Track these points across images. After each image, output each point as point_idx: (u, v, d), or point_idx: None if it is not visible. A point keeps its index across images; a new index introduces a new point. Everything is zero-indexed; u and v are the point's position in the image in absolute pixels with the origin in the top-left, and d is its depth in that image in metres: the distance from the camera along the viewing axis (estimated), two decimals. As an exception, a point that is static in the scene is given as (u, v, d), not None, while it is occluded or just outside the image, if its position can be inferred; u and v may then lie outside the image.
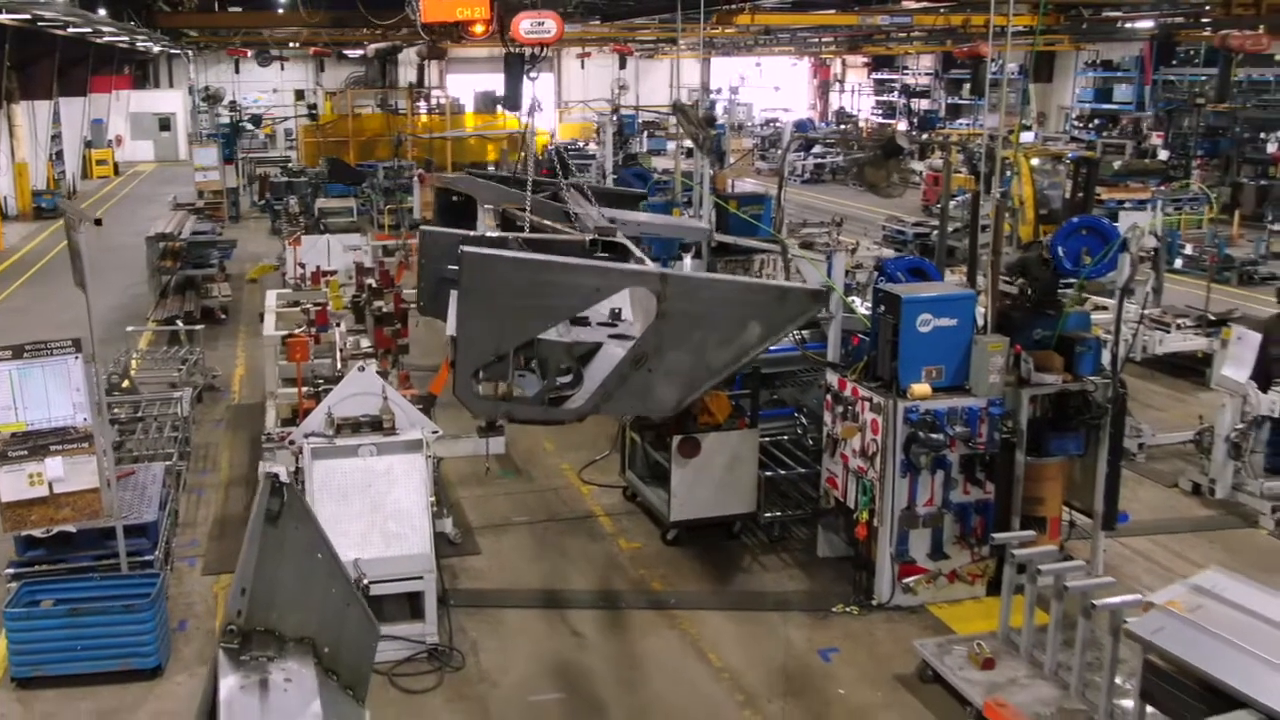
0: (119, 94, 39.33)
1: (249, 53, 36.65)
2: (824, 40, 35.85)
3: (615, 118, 21.68)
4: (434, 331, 13.89)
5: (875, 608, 7.66)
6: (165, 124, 42.40)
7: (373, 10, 18.04)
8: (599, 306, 5.40)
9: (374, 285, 10.75)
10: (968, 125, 35.90)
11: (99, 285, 7.35)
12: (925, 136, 31.99)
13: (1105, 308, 11.59)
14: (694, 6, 14.19)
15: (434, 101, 30.70)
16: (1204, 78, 29.52)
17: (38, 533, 7.02)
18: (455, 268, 4.82)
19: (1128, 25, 25.89)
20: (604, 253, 5.83)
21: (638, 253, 5.68)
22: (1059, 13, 22.83)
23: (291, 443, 7.38)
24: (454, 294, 5.17)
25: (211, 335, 14.38)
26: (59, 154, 30.61)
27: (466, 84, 37.03)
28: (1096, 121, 33.26)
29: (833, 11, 25.18)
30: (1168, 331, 12.64)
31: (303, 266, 13.51)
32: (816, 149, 32.74)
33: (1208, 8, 20.43)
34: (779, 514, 8.75)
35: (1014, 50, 27.21)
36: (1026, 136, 27.80)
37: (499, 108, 30.66)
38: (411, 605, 7.28)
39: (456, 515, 9.04)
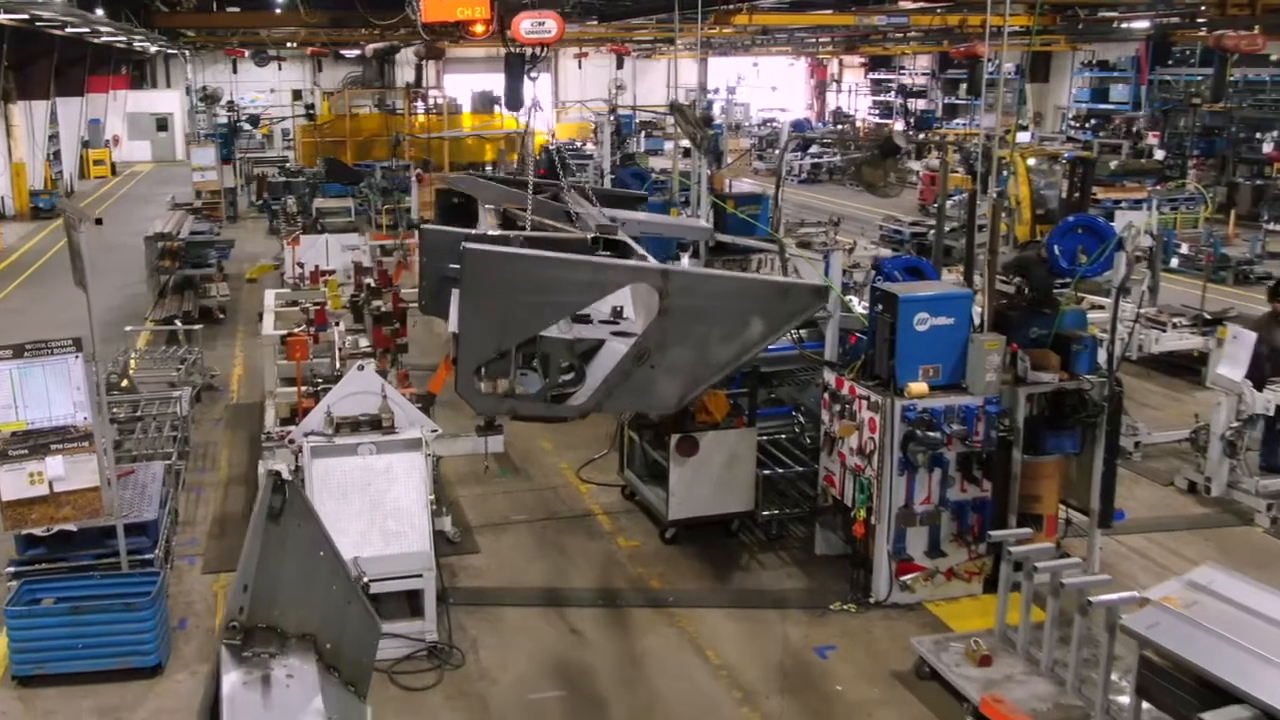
0: (116, 94, 39.31)
1: (246, 53, 36.62)
2: (821, 40, 35.89)
3: (613, 118, 21.68)
4: (432, 331, 13.94)
5: (873, 605, 7.69)
6: (162, 124, 42.37)
7: (372, 10, 18.06)
8: (600, 304, 5.42)
9: (372, 285, 10.77)
10: (964, 125, 35.95)
11: (97, 285, 7.35)
12: (922, 136, 32.04)
13: (1101, 307, 11.64)
14: (691, 7, 14.21)
15: (431, 101, 30.70)
16: (1200, 78, 29.58)
17: (38, 531, 7.03)
18: (457, 266, 4.83)
19: (1123, 25, 25.97)
20: (605, 251, 5.84)
21: (640, 250, 5.69)
22: (1055, 13, 22.92)
23: (291, 441, 7.40)
24: (455, 292, 5.18)
25: (210, 335, 14.39)
26: (56, 154, 30.59)
27: (464, 84, 37.05)
28: (1093, 121, 33.33)
29: (830, 12, 25.23)
30: (1164, 330, 12.68)
31: (301, 266, 13.53)
32: (813, 149, 32.78)
33: (1203, 8, 20.49)
34: (777, 512, 8.77)
35: (1010, 50, 27.27)
36: (1023, 136, 27.86)
37: (497, 108, 30.69)
38: (411, 603, 7.31)
39: (455, 514, 9.06)
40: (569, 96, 42.11)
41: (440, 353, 12.08)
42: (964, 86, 39.49)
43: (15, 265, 20.70)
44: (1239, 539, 9.00)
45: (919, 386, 7.41)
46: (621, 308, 5.77)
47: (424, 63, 34.33)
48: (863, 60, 48.58)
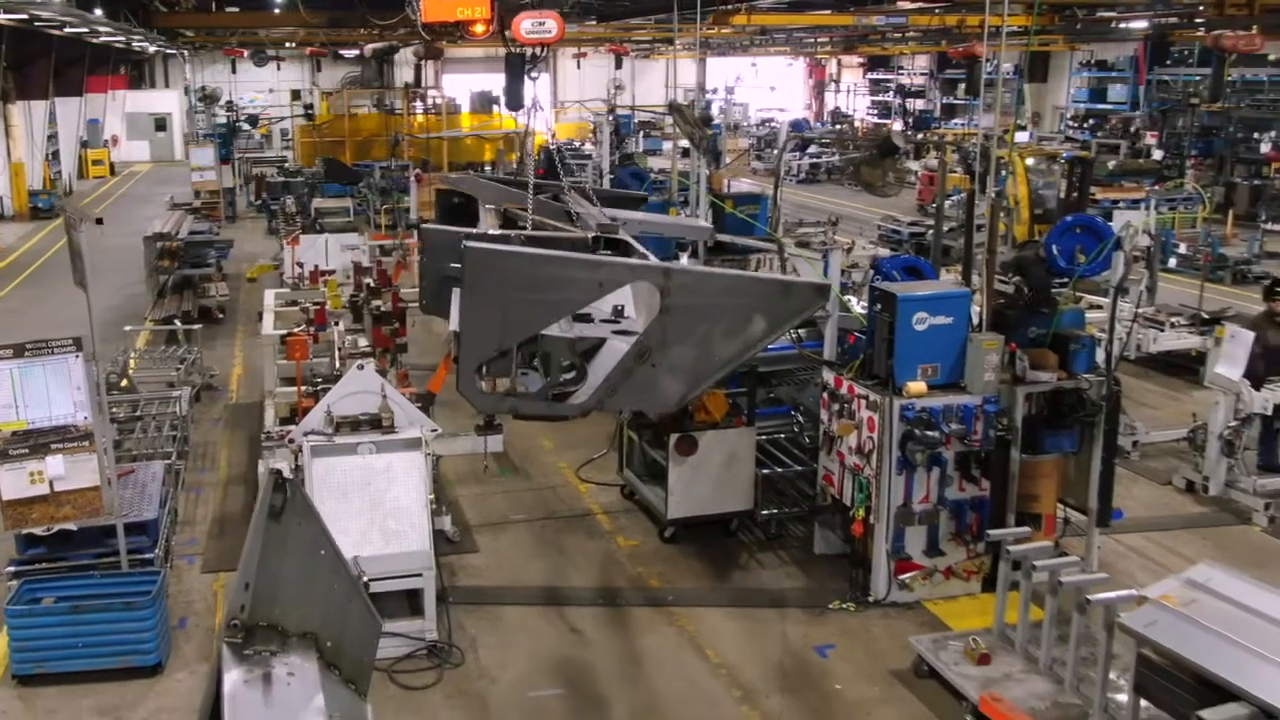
0: (115, 94, 39.32)
1: (245, 53, 36.63)
2: (819, 40, 35.93)
3: (611, 118, 21.70)
4: (431, 331, 13.96)
5: (871, 604, 7.71)
6: (161, 124, 42.36)
7: (371, 10, 18.07)
8: (602, 302, 5.42)
9: (372, 285, 10.78)
10: (963, 125, 35.97)
11: (96, 285, 7.36)
12: (920, 136, 32.06)
13: (1099, 306, 11.66)
14: (690, 7, 14.22)
15: (430, 101, 30.71)
16: (1198, 78, 29.61)
17: (39, 531, 7.05)
18: (458, 265, 4.84)
19: (1122, 25, 26.01)
20: (606, 250, 5.84)
21: (641, 249, 5.70)
22: (1053, 13, 22.94)
23: (291, 441, 7.42)
24: (456, 291, 5.19)
25: (209, 335, 14.41)
26: (55, 154, 30.59)
27: (462, 84, 37.07)
28: (1091, 121, 33.37)
29: (828, 12, 25.26)
30: (1162, 330, 12.70)
31: (301, 266, 13.53)
32: (812, 149, 32.80)
33: (1201, 8, 20.51)
34: (776, 511, 8.79)
35: (1009, 50, 27.30)
36: (1021, 136, 27.88)
37: (495, 108, 30.69)
38: (411, 602, 7.32)
39: (455, 513, 9.08)
40: (567, 96, 42.12)
41: (439, 352, 12.09)
42: (962, 86, 39.55)
43: (14, 265, 20.70)
44: (1236, 538, 9.02)
45: (917, 386, 7.43)
46: (623, 306, 5.77)
47: (423, 63, 34.32)
48: (861, 60, 48.63)
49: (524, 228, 6.61)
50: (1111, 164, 24.77)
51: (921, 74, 45.10)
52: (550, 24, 6.79)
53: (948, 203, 15.08)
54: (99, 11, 18.76)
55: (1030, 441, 7.77)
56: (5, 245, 22.76)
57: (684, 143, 13.89)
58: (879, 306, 7.64)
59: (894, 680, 6.89)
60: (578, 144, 32.06)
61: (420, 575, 7.12)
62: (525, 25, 6.86)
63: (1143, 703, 5.49)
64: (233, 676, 3.90)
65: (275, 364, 10.28)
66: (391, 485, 7.20)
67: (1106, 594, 5.90)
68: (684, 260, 9.88)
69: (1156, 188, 23.02)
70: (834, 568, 8.23)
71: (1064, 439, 7.83)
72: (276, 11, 24.30)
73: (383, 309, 9.92)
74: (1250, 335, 9.34)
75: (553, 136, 18.78)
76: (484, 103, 31.70)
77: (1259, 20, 19.01)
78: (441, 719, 6.58)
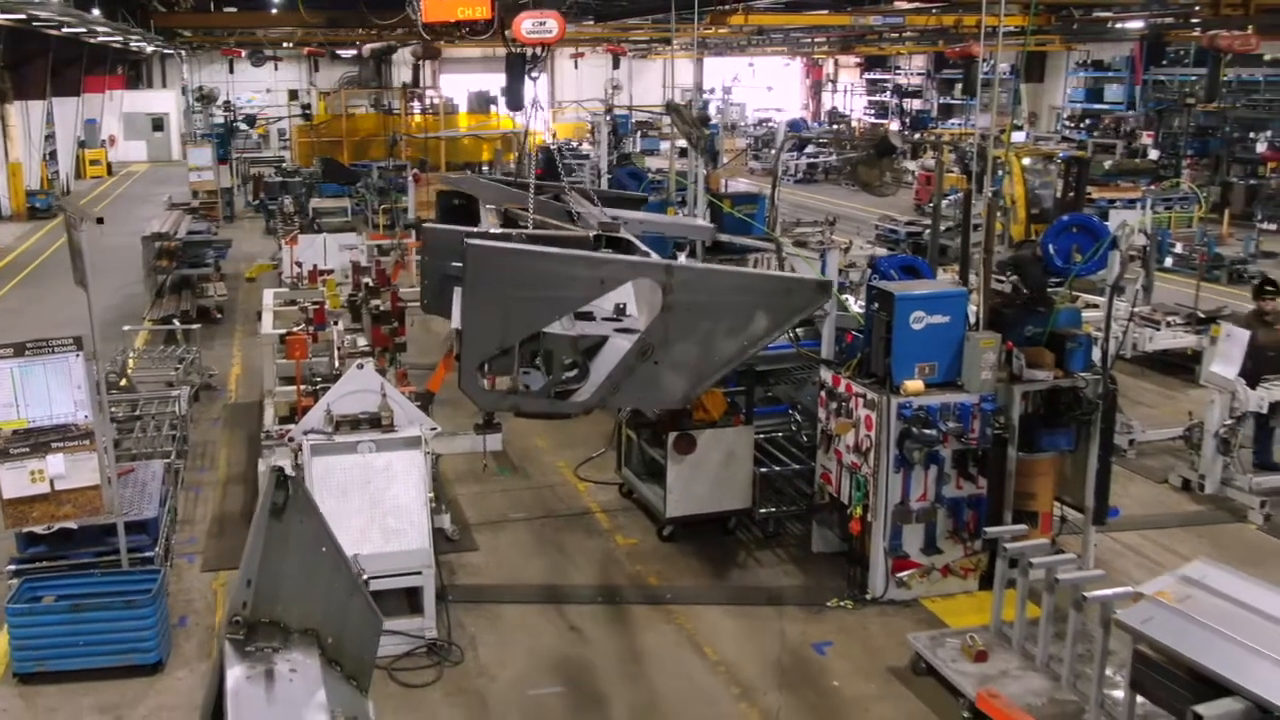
0: (112, 94, 39.32)
1: (243, 53, 36.62)
2: (817, 40, 35.97)
3: (609, 118, 21.72)
4: (430, 330, 13.98)
5: (869, 602, 7.74)
6: (158, 124, 42.35)
7: (371, 10, 18.09)
8: (604, 301, 5.44)
9: (370, 284, 10.80)
10: (960, 125, 36.03)
11: (95, 285, 7.37)
12: (917, 136, 32.11)
13: (1096, 305, 11.70)
14: (688, 7, 14.25)
15: (428, 102, 30.73)
16: (1194, 78, 29.69)
17: (39, 529, 7.07)
18: (459, 265, 4.86)
19: (1118, 26, 26.06)
20: (608, 248, 5.86)
21: (642, 247, 5.71)
22: (1050, 13, 22.99)
23: (291, 440, 7.44)
24: (458, 290, 5.21)
25: (207, 334, 14.43)
26: (52, 154, 30.58)
27: (460, 84, 37.08)
28: (1087, 121, 33.44)
29: (825, 12, 25.30)
30: (1158, 329, 12.75)
31: (299, 265, 13.55)
32: (809, 149, 32.84)
33: (1197, 8, 20.57)
34: (774, 510, 8.81)
35: (1005, 50, 27.39)
36: (1018, 136, 27.94)
37: (493, 108, 30.70)
38: (410, 600, 7.35)
39: (454, 512, 9.10)
40: (565, 96, 42.11)
41: (438, 352, 12.11)
42: (959, 86, 39.62)
43: (12, 265, 20.69)
44: (1232, 536, 9.06)
45: (915, 384, 7.46)
46: (625, 305, 5.79)
47: (421, 63, 34.33)
48: (858, 60, 48.68)
49: (525, 227, 6.62)
50: (1108, 164, 24.82)
51: (918, 74, 45.14)
52: (551, 24, 6.79)
53: (945, 202, 15.10)
54: (96, 11, 18.75)
55: (1027, 440, 7.80)
56: (3, 245, 22.75)
57: (682, 143, 13.92)
58: (876, 305, 7.67)
59: (891, 677, 6.92)
60: (575, 144, 32.10)
61: (420, 573, 7.14)
62: (526, 25, 6.85)
63: (1139, 698, 5.52)
64: (235, 673, 3.92)
65: (274, 363, 10.29)
66: (391, 484, 7.22)
67: (1103, 591, 5.93)
68: (682, 259, 9.91)
69: (1152, 187, 23.06)
70: (832, 566, 8.26)
71: (1060, 437, 7.86)
72: (274, 11, 24.29)
73: (381, 308, 9.93)
74: (1245, 334, 9.38)
75: (553, 137, 18.81)
76: (481, 103, 31.73)
77: (1254, 20, 19.07)
78: (441, 717, 6.60)
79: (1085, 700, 6.09)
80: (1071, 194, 16.72)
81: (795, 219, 19.31)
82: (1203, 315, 12.65)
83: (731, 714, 6.63)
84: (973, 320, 7.83)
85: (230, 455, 10.69)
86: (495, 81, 33.23)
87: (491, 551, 8.71)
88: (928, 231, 14.84)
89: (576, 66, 43.95)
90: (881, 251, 16.44)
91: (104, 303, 15.56)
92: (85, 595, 6.94)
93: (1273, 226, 22.70)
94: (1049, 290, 8.43)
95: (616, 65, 43.17)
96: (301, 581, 4.15)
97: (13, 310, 16.68)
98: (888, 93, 46.58)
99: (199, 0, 23.30)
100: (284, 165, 28.51)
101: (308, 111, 32.36)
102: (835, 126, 40.82)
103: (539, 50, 7.21)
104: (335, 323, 10.30)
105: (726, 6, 20.70)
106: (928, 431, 7.36)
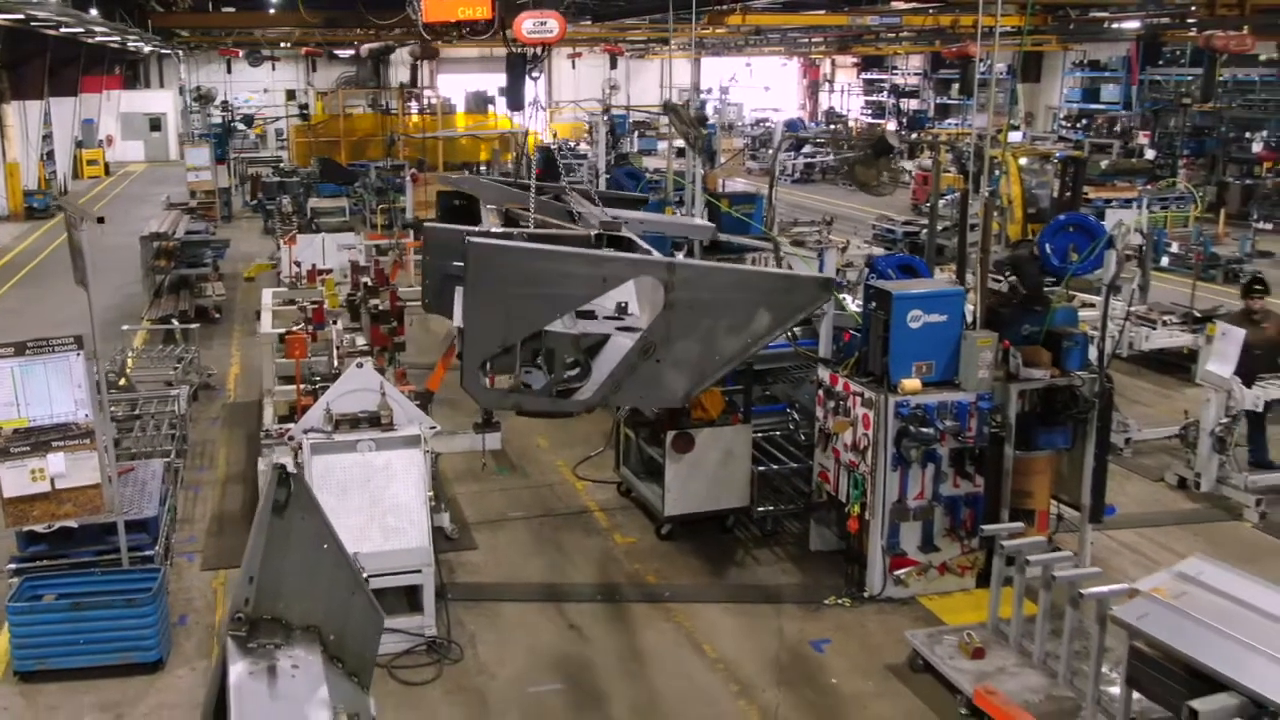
0: (109, 94, 39.31)
1: (240, 53, 36.61)
2: (814, 40, 36.00)
3: (607, 118, 21.75)
4: (429, 329, 14.01)
5: (867, 600, 7.77)
6: (156, 124, 42.33)
7: (371, 10, 18.09)
8: (605, 299, 5.46)
9: (369, 284, 10.82)
10: (956, 125, 36.08)
11: (94, 284, 7.39)
12: (914, 136, 32.15)
13: (1092, 304, 11.74)
14: (685, 7, 14.28)
15: (425, 101, 30.75)
16: (1190, 78, 29.77)
17: (39, 528, 7.09)
18: (460, 264, 4.87)
19: (1114, 26, 26.11)
20: (610, 247, 5.87)
21: (644, 245, 5.73)
22: (1046, 13, 23.04)
23: (290, 438, 7.46)
24: (459, 289, 5.23)
25: (206, 334, 14.45)
26: (50, 154, 30.57)
27: (457, 84, 37.08)
28: (1084, 121, 33.51)
29: (823, 12, 25.34)
30: (1154, 328, 12.80)
31: (298, 265, 13.57)
32: (806, 149, 32.88)
33: (1193, 8, 20.62)
34: (772, 508, 8.84)
35: (1002, 50, 27.42)
36: (1014, 136, 27.99)
37: (491, 108, 30.72)
38: (410, 599, 7.37)
39: (453, 511, 9.12)
40: (563, 96, 42.14)
41: (437, 351, 12.13)
42: (956, 86, 39.66)
43: (10, 265, 20.70)
44: (1228, 534, 9.10)
45: (912, 383, 7.49)
46: (626, 303, 5.81)
47: (419, 63, 34.35)
48: (855, 60, 48.75)
49: (526, 227, 6.64)
50: (1104, 164, 24.87)
51: (915, 74, 45.20)
52: (552, 24, 6.81)
53: (941, 202, 15.14)
54: (94, 11, 18.75)
55: (1024, 438, 7.83)
56: (1, 245, 22.75)
57: (679, 142, 13.95)
58: (874, 304, 7.70)
59: (889, 674, 6.96)
60: (573, 144, 32.12)
61: (419, 572, 7.16)
62: (527, 25, 6.86)
63: (1134, 694, 5.55)
64: (238, 669, 3.95)
65: (274, 362, 10.31)
66: (391, 482, 7.24)
67: (1099, 588, 5.97)
68: (679, 258, 9.93)
69: (1149, 187, 23.12)
70: (830, 564, 8.29)
71: (1057, 436, 7.88)
72: (272, 11, 24.29)
73: (380, 308, 9.95)
74: (1241, 333, 9.42)
75: (554, 136, 18.83)
76: (479, 103, 31.76)
77: (1250, 20, 19.12)
78: (441, 714, 6.62)
79: (1082, 697, 6.13)
80: (1068, 194, 16.76)
81: (792, 219, 19.34)
82: (1198, 314, 12.70)
83: (730, 711, 6.66)
84: (970, 319, 7.86)
85: (229, 454, 10.71)
86: (493, 81, 33.28)
87: (490, 550, 8.74)
88: (925, 231, 14.89)
89: (574, 66, 44.00)
90: (879, 251, 16.47)
91: (103, 302, 15.54)
92: (86, 594, 6.96)
93: (1268, 226, 22.76)
94: (1045, 289, 8.46)
95: (614, 65, 43.15)
96: (303, 578, 4.18)
97: (12, 310, 16.69)
98: (885, 93, 46.64)
99: (197, 0, 23.29)
100: (282, 165, 28.52)
101: (305, 111, 32.36)
102: (832, 126, 40.83)
103: (539, 50, 7.22)
104: (334, 322, 10.31)
105: (724, 7, 20.73)
106: (925, 430, 7.40)
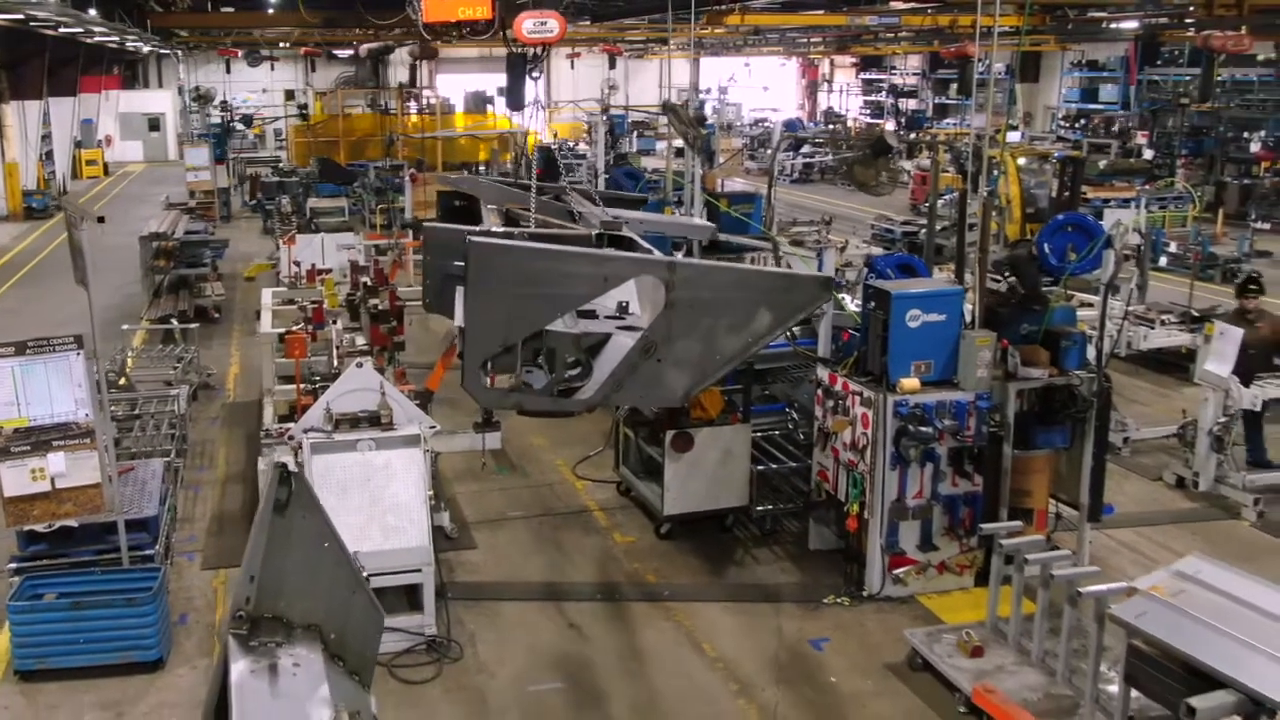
0: (108, 94, 39.30)
1: (239, 53, 36.61)
2: (812, 40, 36.02)
3: (606, 118, 21.76)
4: (428, 329, 14.02)
5: (866, 598, 7.79)
6: (154, 124, 42.33)
7: (370, 10, 18.10)
8: (606, 298, 5.46)
9: (369, 283, 10.83)
10: (955, 125, 36.11)
11: (93, 284, 7.40)
12: (913, 136, 32.18)
13: (1091, 304, 11.76)
14: (684, 7, 14.29)
15: (424, 101, 30.75)
16: (1188, 78, 29.81)
17: (40, 527, 7.10)
18: (461, 264, 4.88)
19: (1112, 26, 26.12)
20: (610, 247, 5.88)
21: (645, 245, 5.74)
22: (1044, 13, 23.05)
23: (290, 438, 7.47)
24: (460, 288, 5.23)
25: (205, 334, 14.46)
26: (49, 154, 30.57)
27: (456, 84, 37.07)
28: (1082, 121, 33.54)
29: (821, 12, 25.35)
30: (1152, 327, 12.83)
31: (298, 265, 13.58)
32: (805, 148, 32.90)
33: (1191, 9, 20.65)
34: (771, 507, 8.85)
35: (1000, 50, 27.44)
36: (1013, 136, 28.01)
37: (490, 107, 30.72)
38: (410, 598, 7.38)
39: (453, 510, 9.14)
40: (561, 97, 42.14)
41: (436, 351, 12.14)
42: (954, 86, 39.68)
43: (9, 265, 20.70)
44: (1226, 533, 9.12)
45: (911, 382, 7.51)
46: (627, 302, 5.81)
47: (418, 63, 34.35)
48: (854, 60, 48.78)
49: (527, 227, 6.65)
50: (1102, 163, 24.90)
51: (914, 74, 45.24)
52: (552, 24, 6.80)
53: (940, 202, 15.16)
54: (93, 11, 18.74)
55: (1022, 437, 7.84)
56: (0, 245, 22.75)
57: (678, 142, 13.96)
58: (873, 304, 7.72)
59: (888, 673, 6.97)
60: (571, 144, 32.14)
61: (419, 571, 7.17)
62: (527, 25, 6.86)
63: (1133, 692, 5.57)
64: (239, 667, 3.96)
65: (273, 362, 10.32)
66: (391, 481, 7.25)
67: (1097, 587, 5.99)
68: (677, 256, 9.95)
69: (1147, 187, 23.15)
70: (829, 562, 8.31)
71: (1055, 435, 7.90)
72: (271, 11, 24.28)
73: (380, 307, 9.96)
74: (1239, 332, 9.44)
75: (555, 136, 18.84)
76: (478, 103, 31.75)
77: (1247, 20, 19.14)
78: (441, 713, 6.64)
79: (1080, 695, 6.15)
80: (1066, 193, 16.78)
81: (791, 218, 19.37)
82: (1197, 314, 12.73)
83: (730, 710, 6.67)
84: (969, 319, 7.87)
85: (229, 454, 10.72)
86: (492, 81, 33.28)
87: (490, 549, 8.75)
88: (923, 231, 14.91)
89: (573, 66, 44.01)
90: (877, 251, 16.50)
91: (102, 302, 15.48)
92: (86, 593, 6.97)
93: (1266, 225, 22.79)
94: (1044, 289, 8.48)
95: (613, 65, 43.17)
96: (304, 577, 4.19)
97: (11, 310, 16.69)
98: (883, 93, 46.68)
99: (196, 0, 23.28)
100: (280, 165, 28.52)
101: (304, 111, 32.37)
102: (831, 126, 40.87)
103: (539, 50, 7.21)
104: (334, 322, 10.32)
105: (723, 7, 20.74)
106: (924, 429, 7.41)
